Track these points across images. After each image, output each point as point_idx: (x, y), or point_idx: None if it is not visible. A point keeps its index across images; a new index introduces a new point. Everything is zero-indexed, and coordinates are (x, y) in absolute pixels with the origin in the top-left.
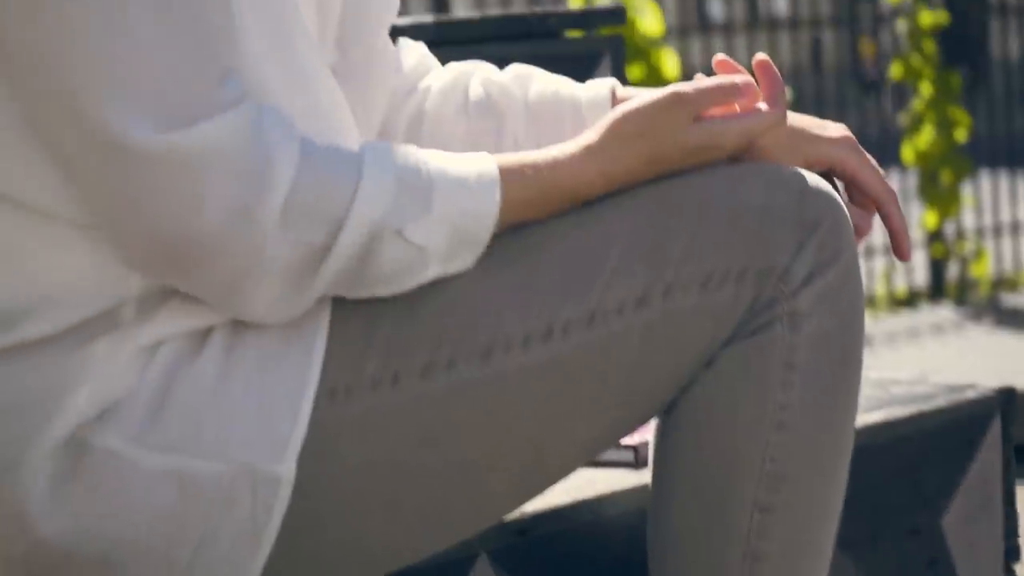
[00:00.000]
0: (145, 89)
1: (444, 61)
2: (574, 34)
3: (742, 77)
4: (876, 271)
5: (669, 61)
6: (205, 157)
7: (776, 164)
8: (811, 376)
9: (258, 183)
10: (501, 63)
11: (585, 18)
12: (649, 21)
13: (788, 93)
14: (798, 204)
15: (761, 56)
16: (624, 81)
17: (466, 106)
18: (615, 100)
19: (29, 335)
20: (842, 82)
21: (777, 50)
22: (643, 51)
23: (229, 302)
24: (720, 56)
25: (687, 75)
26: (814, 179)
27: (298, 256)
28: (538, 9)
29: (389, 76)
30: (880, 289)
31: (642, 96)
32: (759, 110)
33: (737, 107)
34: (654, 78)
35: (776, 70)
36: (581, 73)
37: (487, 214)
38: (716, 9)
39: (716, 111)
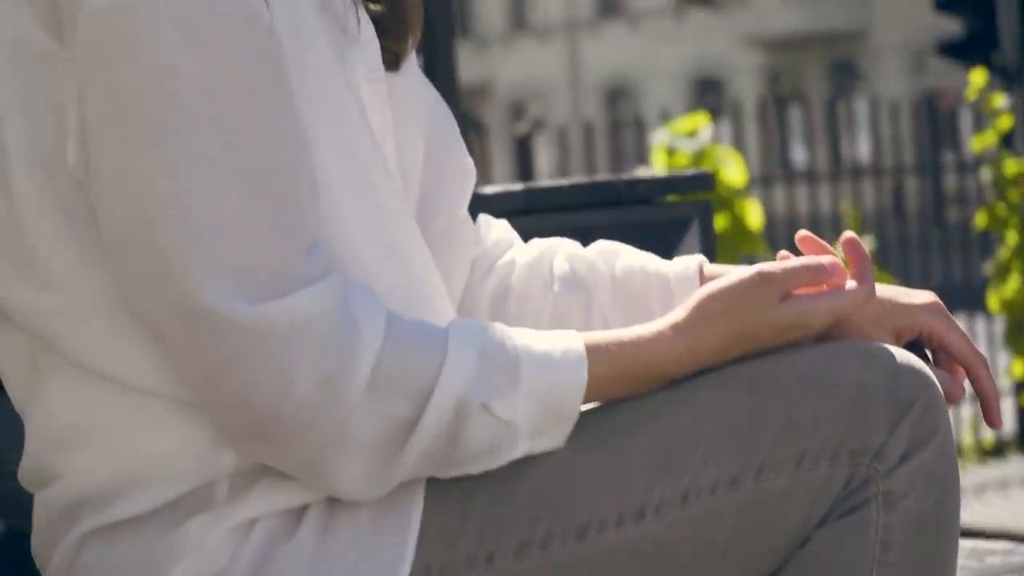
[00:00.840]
0: (232, 260)
1: (533, 228)
2: (665, 199)
3: (828, 257)
4: (963, 419)
5: (753, 211)
6: (291, 330)
7: (868, 342)
8: (907, 555)
9: (344, 356)
10: (589, 230)
11: (673, 184)
12: (732, 171)
13: (870, 241)
14: (892, 382)
15: (848, 234)
16: (713, 246)
17: (552, 282)
18: (703, 276)
19: (124, 513)
20: (925, 228)
21: (860, 197)
22: (727, 201)
23: (317, 477)
24: (803, 233)
25: (771, 223)
26: (907, 356)
27: (385, 430)
28: (626, 176)
29: (470, 248)
30: (967, 438)
31: (729, 275)
32: (847, 288)
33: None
34: (738, 228)
35: (863, 246)
36: (670, 239)
37: (574, 390)
38: (799, 156)
39: (803, 289)
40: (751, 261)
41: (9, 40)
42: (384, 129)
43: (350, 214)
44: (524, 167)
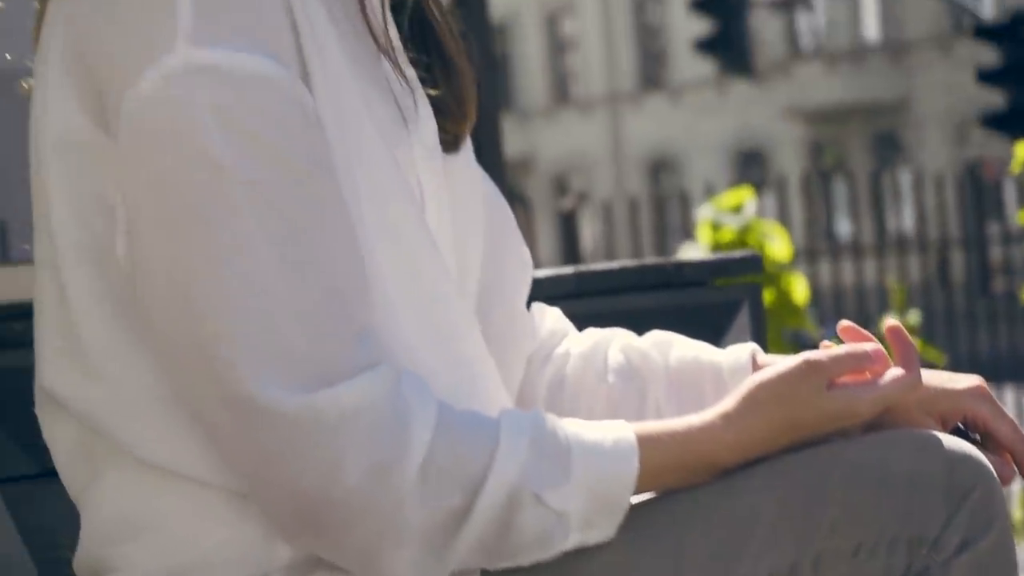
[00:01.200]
0: (279, 350)
1: (583, 312)
2: (714, 282)
3: (872, 345)
4: (1013, 495)
5: (798, 285)
6: (342, 419)
7: (922, 430)
8: None
9: (395, 446)
10: (639, 313)
11: (722, 267)
12: (777, 246)
13: (916, 314)
14: (948, 471)
15: (892, 323)
16: (763, 329)
17: (606, 372)
18: (755, 365)
19: None
20: (971, 299)
21: (906, 269)
22: (772, 276)
23: (368, 567)
24: (844, 323)
25: (816, 296)
26: (962, 444)
27: (436, 519)
28: (676, 259)
29: (529, 342)
30: (1018, 513)
31: (777, 364)
32: (895, 376)
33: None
34: (783, 302)
35: (907, 334)
36: (719, 321)
37: (625, 480)
38: (843, 228)
39: (848, 377)
40: (796, 336)
41: (58, 131)
42: (440, 210)
43: (398, 300)
44: (569, 242)
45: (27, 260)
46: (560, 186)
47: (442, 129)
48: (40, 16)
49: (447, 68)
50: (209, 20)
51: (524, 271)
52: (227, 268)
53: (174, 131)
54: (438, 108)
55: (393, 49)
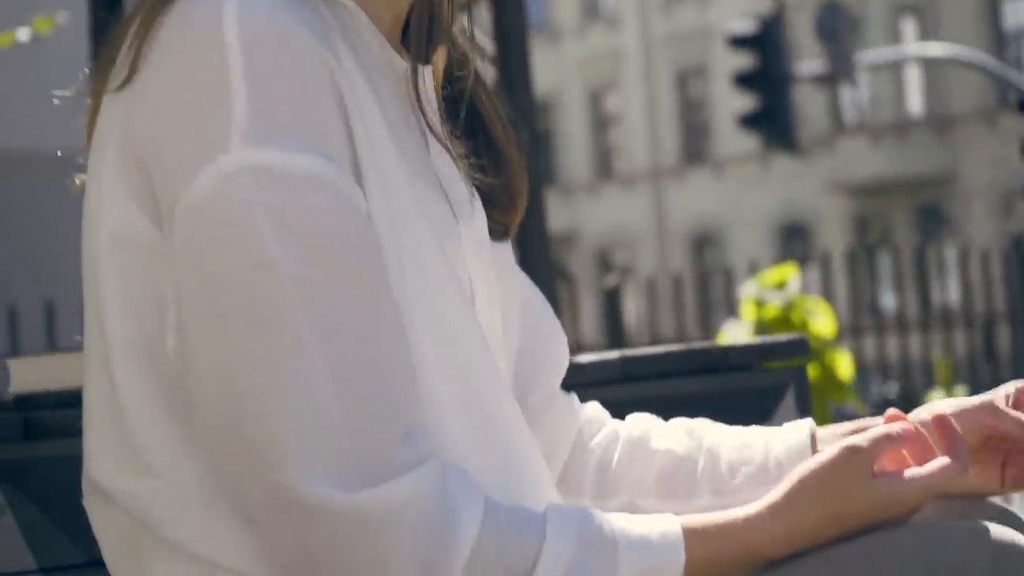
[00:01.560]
0: (327, 448)
1: (629, 397)
2: (760, 365)
3: (909, 424)
4: None
5: (843, 361)
6: (388, 518)
7: (972, 522)
8: None
9: (442, 543)
10: (685, 398)
11: (768, 351)
12: (821, 322)
13: (963, 390)
14: (995, 562)
15: (937, 412)
16: (809, 412)
17: (654, 458)
18: (814, 445)
19: None
20: (1018, 374)
21: (952, 345)
22: (817, 352)
23: None
24: (892, 411)
25: (861, 371)
26: (1011, 535)
27: None
28: (722, 344)
29: (568, 422)
30: None
31: (821, 453)
32: (942, 464)
33: (909, 458)
34: (828, 378)
35: (953, 422)
36: (765, 406)
37: (672, 573)
38: (888, 301)
39: (894, 464)
40: (841, 412)
41: (114, 227)
42: (490, 303)
43: (447, 397)
44: (612, 319)
45: (75, 348)
46: (603, 261)
47: (490, 218)
48: (93, 112)
49: (497, 157)
50: (264, 119)
51: (560, 352)
52: (277, 367)
53: (228, 231)
54: (487, 198)
55: (448, 140)
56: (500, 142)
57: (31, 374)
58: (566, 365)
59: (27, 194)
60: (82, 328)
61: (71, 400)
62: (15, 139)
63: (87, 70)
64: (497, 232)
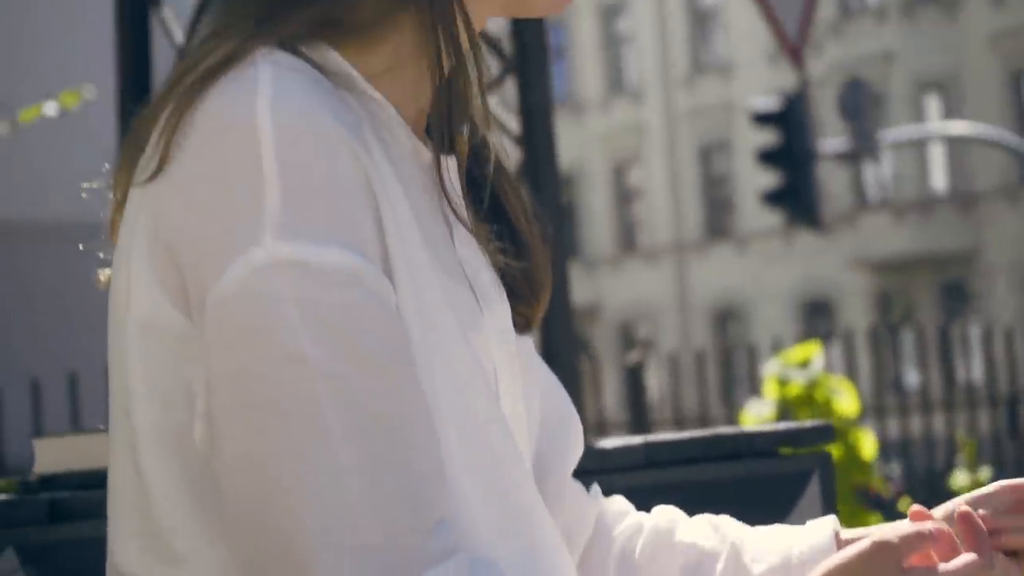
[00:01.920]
0: (356, 543)
1: (652, 483)
2: (784, 452)
3: (937, 524)
4: None
5: (866, 441)
6: None
7: None
8: None
9: None
10: (709, 484)
11: (792, 437)
12: (845, 401)
13: (987, 471)
14: None
15: (963, 509)
16: (834, 498)
17: (678, 550)
18: (839, 542)
19: None
20: None
21: (976, 423)
22: (840, 431)
23: None
24: (915, 507)
25: (884, 449)
26: None
27: None
28: (746, 430)
29: (585, 506)
30: None
31: (849, 548)
32: (968, 560)
33: (934, 554)
34: (851, 458)
35: (977, 519)
36: (790, 492)
37: None
38: (911, 378)
39: (920, 560)
40: (864, 491)
41: (142, 316)
42: (514, 393)
43: (473, 489)
44: (635, 394)
45: (98, 430)
46: (626, 334)
47: (513, 311)
48: (119, 206)
49: (519, 247)
50: (297, 212)
51: (576, 435)
52: (304, 461)
53: (259, 324)
54: (511, 290)
55: (475, 230)
56: (524, 234)
57: (56, 454)
58: (582, 449)
59: (51, 264)
60: (106, 411)
61: (96, 481)
62: (40, 211)
63: (109, 164)
64: (519, 325)
